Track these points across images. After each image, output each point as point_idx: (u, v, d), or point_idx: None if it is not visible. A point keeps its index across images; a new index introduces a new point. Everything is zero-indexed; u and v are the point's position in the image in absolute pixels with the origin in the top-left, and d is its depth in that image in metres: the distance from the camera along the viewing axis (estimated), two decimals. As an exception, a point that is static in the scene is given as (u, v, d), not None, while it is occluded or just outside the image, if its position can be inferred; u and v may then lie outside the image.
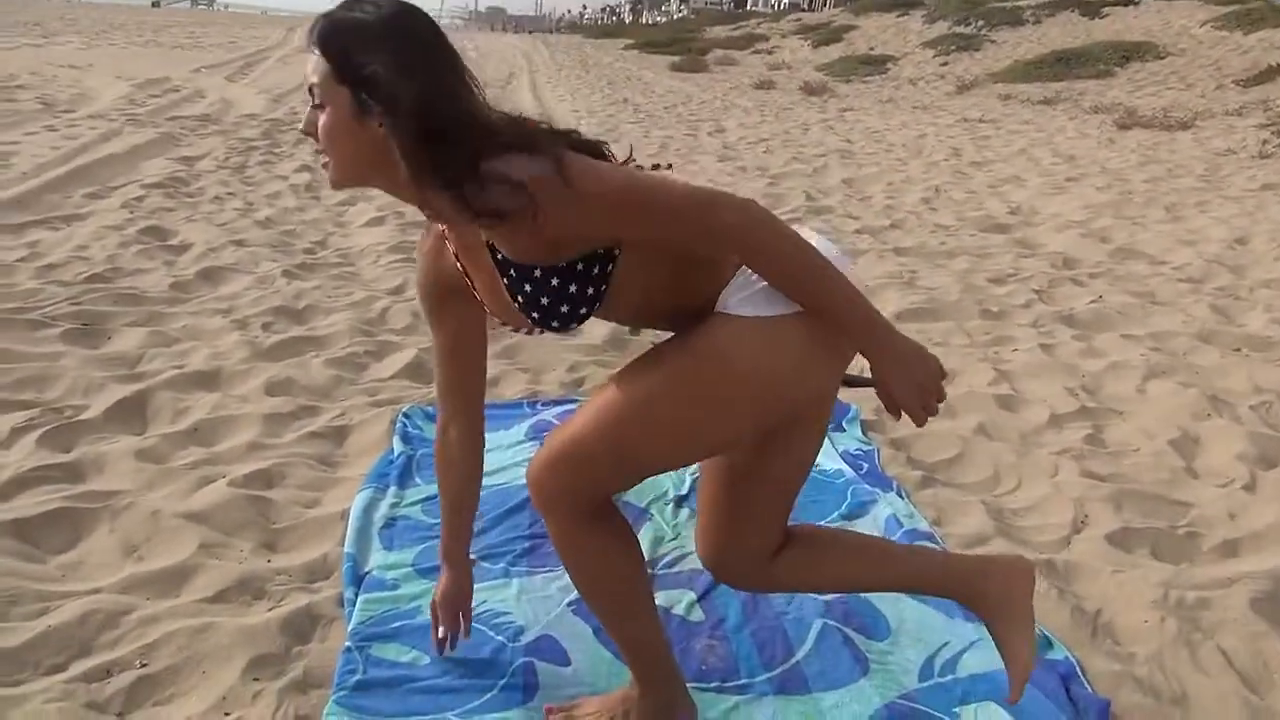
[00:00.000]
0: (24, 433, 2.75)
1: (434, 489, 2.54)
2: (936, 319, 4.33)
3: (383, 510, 2.44)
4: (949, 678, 1.87)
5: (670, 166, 1.49)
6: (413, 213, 5.99)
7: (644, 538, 2.33)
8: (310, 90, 1.33)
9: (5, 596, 1.99)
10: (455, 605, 1.85)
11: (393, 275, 4.64)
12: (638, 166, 1.44)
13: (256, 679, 1.81)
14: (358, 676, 1.80)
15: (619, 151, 1.42)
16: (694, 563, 2.25)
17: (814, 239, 1.48)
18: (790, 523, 1.65)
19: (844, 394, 3.31)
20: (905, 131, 11.72)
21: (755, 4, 65.02)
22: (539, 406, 3.15)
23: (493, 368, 3.49)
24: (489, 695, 1.79)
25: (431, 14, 1.38)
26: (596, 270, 1.40)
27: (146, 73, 13.89)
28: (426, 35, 1.32)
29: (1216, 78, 15.13)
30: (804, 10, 43.08)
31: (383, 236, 5.42)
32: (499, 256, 1.40)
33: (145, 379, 3.20)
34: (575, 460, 1.46)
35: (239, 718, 1.72)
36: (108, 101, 10.35)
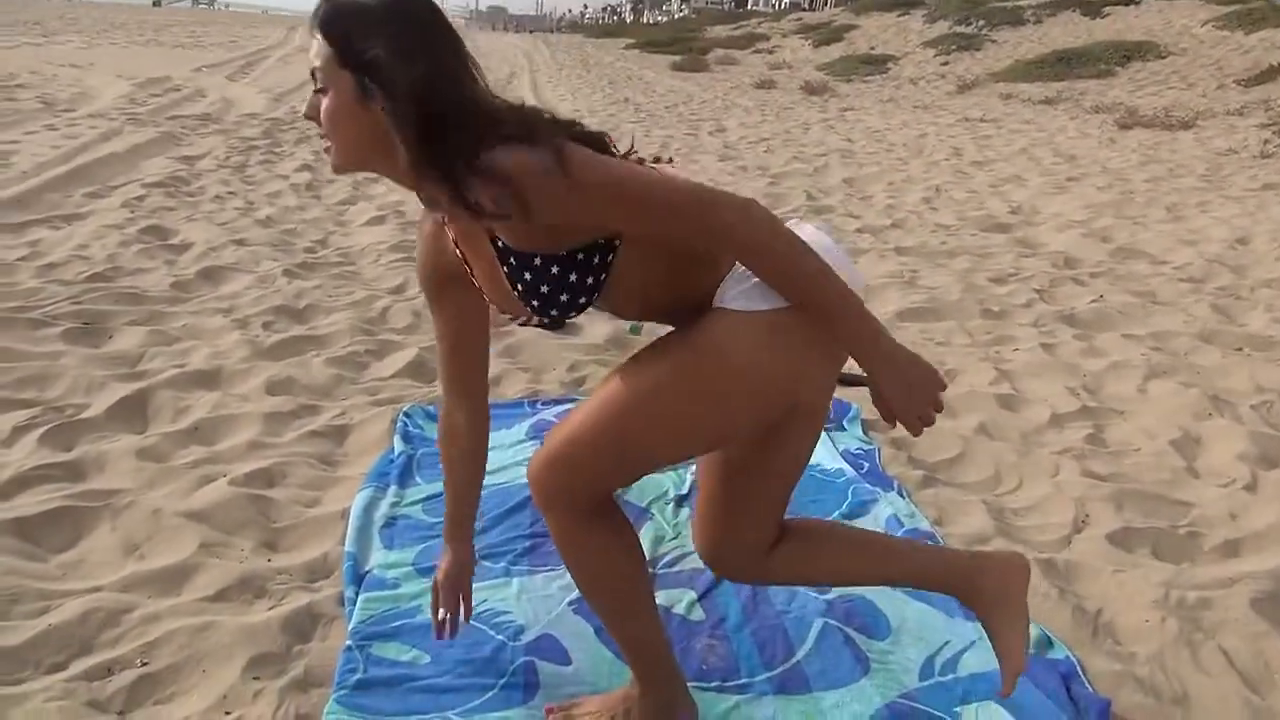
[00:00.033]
0: (25, 431, 2.75)
1: (435, 488, 2.56)
2: (938, 318, 4.33)
3: (383, 509, 2.44)
4: (950, 677, 1.87)
5: (671, 160, 1.50)
6: (414, 212, 6.00)
7: (645, 537, 2.33)
8: (312, 74, 1.33)
9: (6, 595, 1.99)
10: (456, 586, 1.83)
11: (393, 274, 4.64)
12: (639, 160, 1.44)
13: (257, 678, 1.81)
14: (358, 675, 1.80)
15: (620, 144, 1.42)
16: (695, 562, 2.25)
17: (813, 233, 1.49)
18: (787, 517, 1.66)
19: (845, 393, 3.32)
20: (906, 131, 11.71)
21: (756, 3, 65.00)
22: (539, 406, 3.15)
23: (494, 367, 3.49)
24: (489, 694, 1.78)
25: None
26: (597, 260, 1.40)
27: (147, 72, 13.90)
28: (429, 20, 1.32)
29: (1218, 77, 15.12)
30: (805, 10, 43.07)
31: (383, 235, 5.42)
32: (499, 244, 1.40)
33: (146, 378, 3.20)
34: (575, 457, 1.46)
35: (240, 716, 1.72)
36: (108, 100, 10.35)
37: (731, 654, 1.93)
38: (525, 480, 2.51)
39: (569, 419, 1.49)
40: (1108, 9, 21.47)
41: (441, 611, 1.83)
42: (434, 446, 2.80)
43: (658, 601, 1.72)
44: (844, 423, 3.08)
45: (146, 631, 1.92)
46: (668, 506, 2.52)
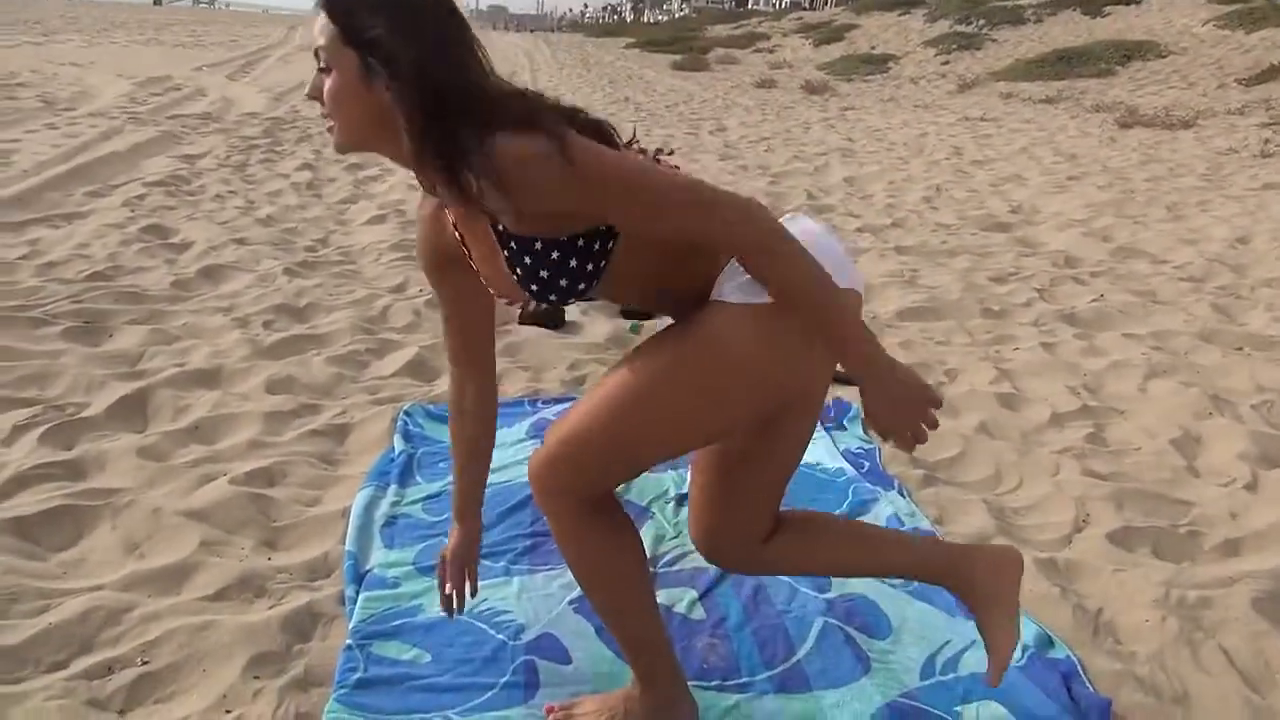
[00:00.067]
0: (25, 430, 2.75)
1: (435, 487, 2.56)
2: (938, 318, 4.33)
3: (384, 508, 2.44)
4: (950, 676, 1.87)
5: (673, 153, 1.50)
6: (414, 211, 5.99)
7: (645, 536, 2.33)
8: (316, 53, 1.33)
9: (6, 594, 1.99)
10: (462, 562, 1.83)
11: (394, 273, 4.64)
12: (640, 151, 1.44)
13: (257, 677, 1.81)
14: (359, 674, 1.80)
15: (623, 133, 1.42)
16: (695, 561, 2.25)
17: (811, 227, 1.49)
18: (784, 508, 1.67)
19: (845, 392, 3.32)
20: (906, 130, 11.71)
21: (757, 3, 64.99)
22: (540, 405, 3.15)
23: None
24: (490, 693, 1.78)
25: None
26: (597, 246, 1.40)
27: (148, 71, 13.90)
28: (435, 1, 1.31)
29: (1218, 77, 15.11)
30: (805, 9, 43.06)
31: (384, 234, 5.42)
32: (500, 228, 1.39)
33: (146, 377, 3.20)
34: (575, 454, 1.46)
35: (240, 715, 1.71)
36: (109, 99, 10.35)
37: (732, 653, 1.93)
38: (526, 479, 2.52)
39: (568, 416, 1.49)
40: (1108, 8, 21.47)
41: (448, 587, 1.82)
42: (434, 446, 2.81)
43: (659, 600, 1.72)
44: (845, 422, 3.08)
45: (147, 630, 1.92)
46: (668, 505, 2.52)
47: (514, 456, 2.73)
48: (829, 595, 2.13)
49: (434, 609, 2.03)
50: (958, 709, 1.78)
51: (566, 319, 4.03)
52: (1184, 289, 4.83)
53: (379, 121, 1.31)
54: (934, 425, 1.40)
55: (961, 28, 23.29)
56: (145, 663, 1.84)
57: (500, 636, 1.96)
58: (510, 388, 3.33)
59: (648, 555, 1.92)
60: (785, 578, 2.18)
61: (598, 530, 1.53)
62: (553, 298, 1.45)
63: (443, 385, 3.31)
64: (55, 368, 3.21)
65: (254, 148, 8.09)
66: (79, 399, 3.01)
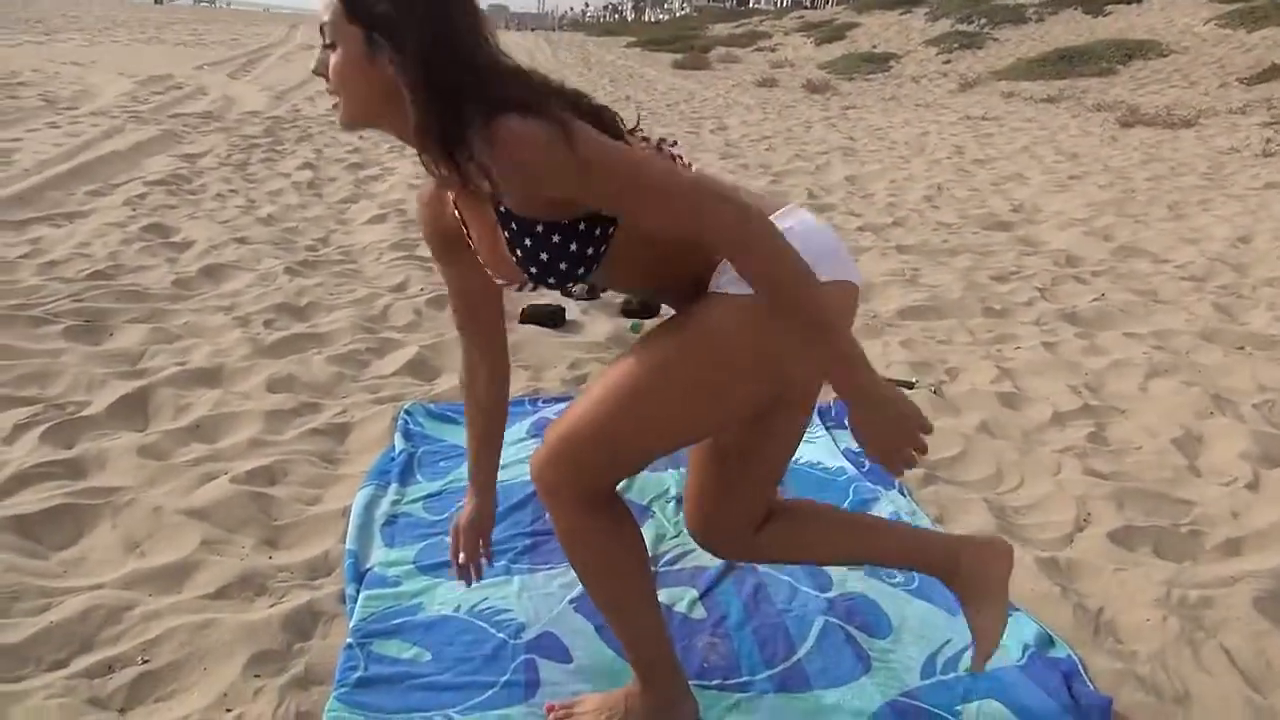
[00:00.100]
0: (26, 429, 2.75)
1: (435, 486, 2.56)
2: (939, 317, 4.32)
3: (384, 507, 2.44)
4: (951, 675, 1.87)
5: (675, 144, 1.49)
6: (415, 211, 5.99)
7: (646, 535, 2.31)
8: (321, 29, 1.33)
9: (7, 592, 1.99)
10: (477, 531, 1.84)
11: (395, 272, 4.64)
12: (644, 139, 1.44)
13: (258, 675, 1.81)
14: (359, 673, 1.80)
15: (628, 120, 1.42)
16: (696, 560, 2.25)
17: (809, 219, 1.50)
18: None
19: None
20: (908, 129, 11.71)
21: (758, 2, 64.95)
22: (540, 404, 3.15)
23: (494, 365, 3.49)
24: (490, 692, 1.78)
25: None
26: (598, 231, 1.40)
27: (149, 70, 13.91)
28: None
29: (1220, 76, 15.11)
30: (807, 8, 43.06)
31: (385, 234, 5.42)
32: (501, 209, 1.39)
33: (147, 375, 3.20)
34: (575, 450, 1.47)
35: (240, 714, 1.71)
36: (110, 98, 10.35)
37: (733, 652, 1.93)
38: (526, 478, 2.51)
39: (568, 413, 1.49)
40: (1110, 7, 21.46)
41: (462, 556, 1.83)
42: (435, 444, 2.81)
43: (659, 599, 1.72)
44: (845, 421, 3.08)
45: (147, 629, 1.92)
46: (669, 504, 2.51)
47: (514, 455, 2.72)
48: (830, 594, 2.13)
49: (435, 607, 2.03)
50: (958, 708, 1.78)
51: (567, 318, 4.03)
52: (1185, 288, 4.82)
53: (384, 97, 1.31)
54: (923, 451, 1.39)
55: (963, 27, 23.29)
56: (146, 661, 1.84)
57: (501, 635, 1.95)
58: (510, 386, 3.32)
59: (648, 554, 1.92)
60: (785, 576, 2.18)
61: (600, 525, 1.53)
62: (551, 281, 1.45)
63: (443, 384, 3.32)
64: (56, 366, 3.21)
65: (255, 147, 8.09)
66: (80, 398, 3.01)
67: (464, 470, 2.65)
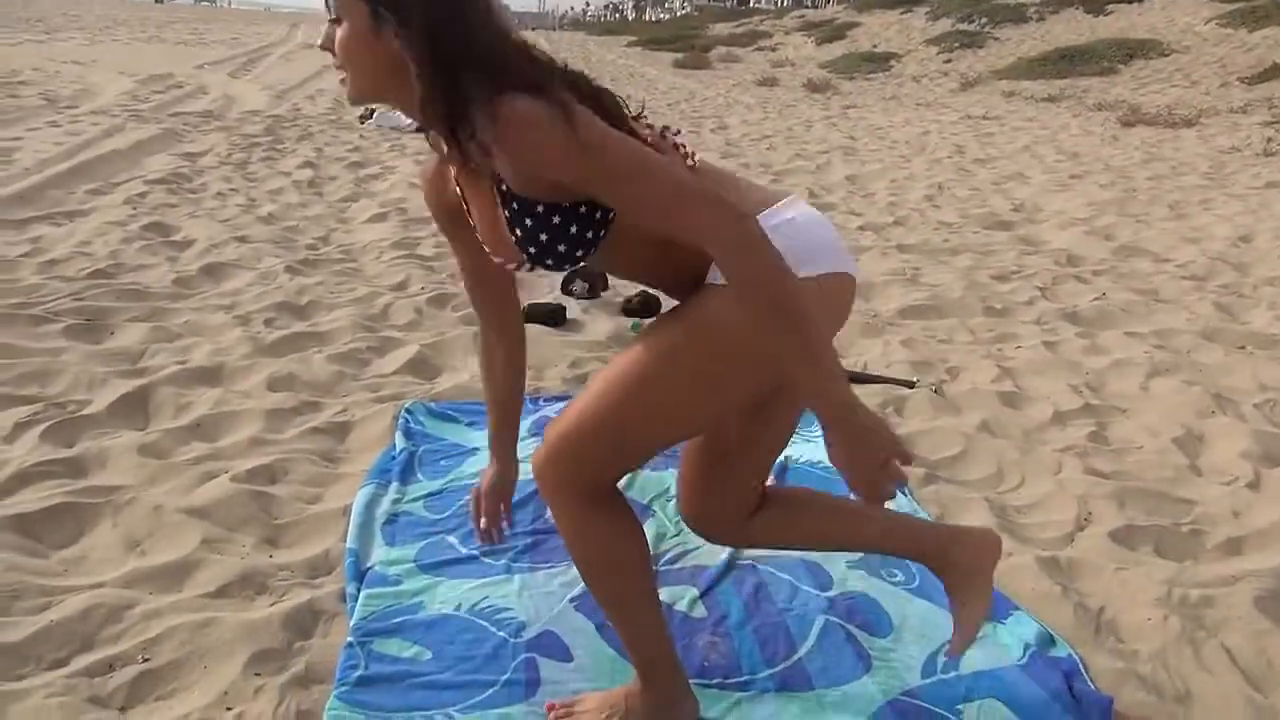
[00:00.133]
0: (27, 428, 2.75)
1: (436, 485, 2.57)
2: (940, 316, 4.32)
3: (385, 506, 2.44)
4: (951, 674, 1.87)
5: (679, 133, 1.49)
6: (415, 209, 6.00)
7: (647, 533, 2.32)
8: (327, 4, 1.33)
9: (8, 591, 1.99)
10: (498, 496, 1.86)
11: (395, 271, 4.64)
12: (648, 127, 1.44)
13: (258, 674, 1.81)
14: (359, 672, 1.80)
15: (633, 107, 1.43)
16: (696, 559, 2.25)
17: (808, 212, 1.50)
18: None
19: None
20: (909, 128, 11.71)
21: (759, 1, 64.93)
22: (541, 402, 3.15)
23: (495, 364, 3.49)
24: (491, 691, 1.78)
25: None
26: (599, 215, 1.40)
27: (149, 69, 13.91)
28: None
29: (1221, 75, 15.10)
30: (807, 7, 43.04)
31: (385, 232, 5.42)
32: (503, 188, 1.39)
33: (148, 374, 3.20)
34: (576, 446, 1.47)
35: (241, 713, 1.71)
36: (111, 97, 10.36)
37: (733, 651, 1.93)
38: (526, 477, 2.51)
39: (569, 409, 1.50)
40: (1111, 7, 21.46)
41: (483, 521, 1.84)
42: (436, 443, 2.81)
43: (660, 598, 1.72)
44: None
45: (148, 628, 1.92)
46: (669, 503, 2.51)
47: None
48: (830, 593, 2.13)
49: (435, 606, 2.03)
50: (959, 707, 1.77)
51: (567, 317, 4.03)
52: (1186, 287, 4.82)
53: (389, 71, 1.31)
54: (903, 480, 1.36)
55: (964, 26, 23.29)
56: (146, 660, 1.83)
57: (501, 634, 1.95)
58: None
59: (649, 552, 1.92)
60: (786, 576, 2.18)
61: (602, 522, 1.53)
62: (549, 262, 1.45)
63: (444, 383, 3.31)
64: (56, 365, 3.21)
65: (255, 145, 8.09)
66: (80, 396, 3.01)
67: (464, 469, 2.67)
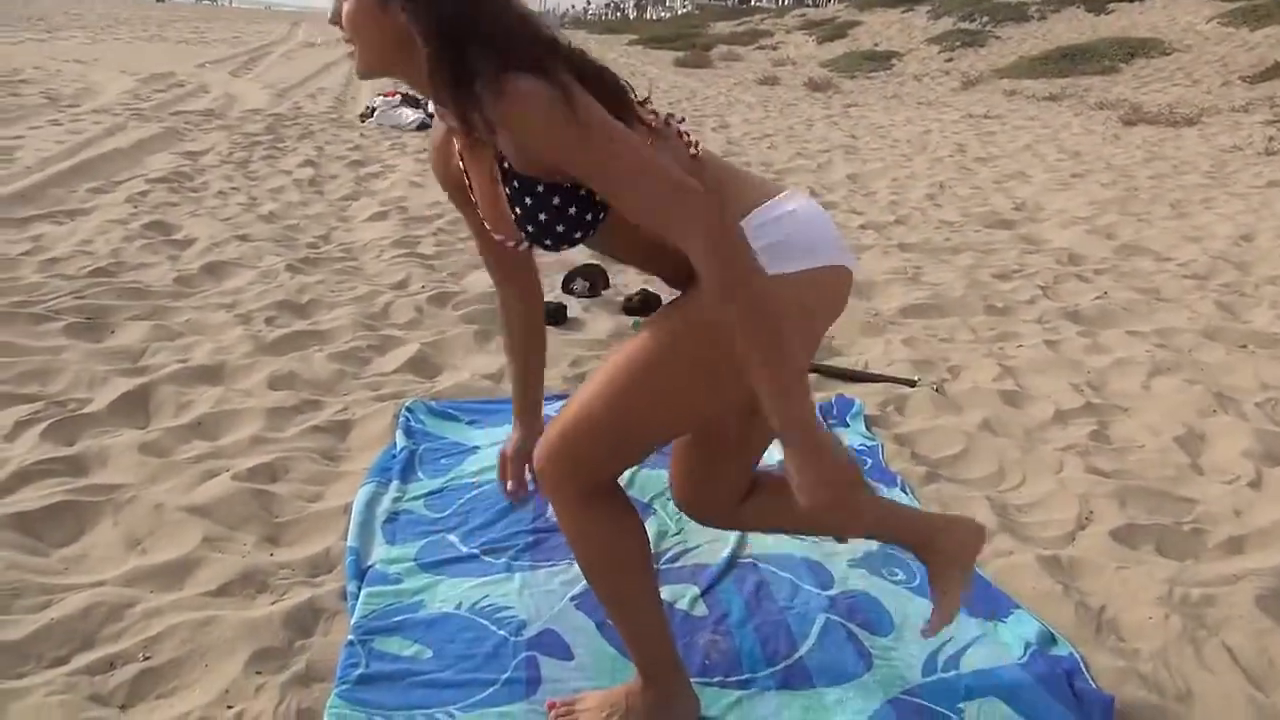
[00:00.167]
0: (27, 426, 2.75)
1: (437, 484, 2.57)
2: (941, 315, 4.32)
3: (385, 504, 2.44)
4: (952, 673, 1.87)
5: (684, 120, 1.50)
6: (416, 208, 6.00)
7: (648, 531, 2.32)
8: None
9: (8, 589, 1.99)
10: (523, 460, 1.86)
11: (396, 270, 4.64)
12: (652, 113, 1.45)
13: (259, 672, 1.81)
14: (360, 670, 1.80)
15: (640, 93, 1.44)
16: (697, 558, 2.25)
17: (807, 205, 1.51)
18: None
19: (848, 389, 3.31)
20: (910, 127, 11.70)
21: (760, 0, 64.92)
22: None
23: (496, 362, 3.49)
24: (492, 689, 1.78)
25: None
26: (599, 197, 1.39)
27: (151, 67, 13.92)
28: None
29: (1223, 74, 15.09)
30: (809, 6, 43.03)
31: (386, 231, 5.42)
32: (505, 165, 1.40)
33: (149, 373, 3.20)
34: (575, 442, 1.47)
35: (241, 711, 1.71)
36: (112, 96, 10.36)
37: (734, 649, 1.93)
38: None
39: (568, 405, 1.50)
40: (1112, 5, 21.45)
41: (510, 484, 1.85)
42: (436, 442, 2.81)
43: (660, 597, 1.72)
44: (848, 419, 3.08)
45: (148, 626, 1.92)
46: (670, 501, 2.51)
47: (516, 453, 2.72)
48: (831, 592, 2.13)
49: (436, 605, 2.03)
50: (960, 706, 1.77)
51: (568, 316, 4.03)
52: (1188, 286, 4.82)
53: (397, 44, 1.32)
54: (859, 518, 1.34)
55: (965, 25, 23.28)
56: (147, 658, 1.83)
57: (502, 632, 1.95)
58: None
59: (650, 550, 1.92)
60: (787, 574, 2.18)
61: (602, 517, 1.53)
62: (547, 242, 1.45)
63: (445, 382, 3.31)
64: (57, 363, 3.21)
65: (256, 144, 8.09)
66: (81, 395, 3.01)
67: (465, 467, 2.67)
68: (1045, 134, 11.00)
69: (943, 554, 1.71)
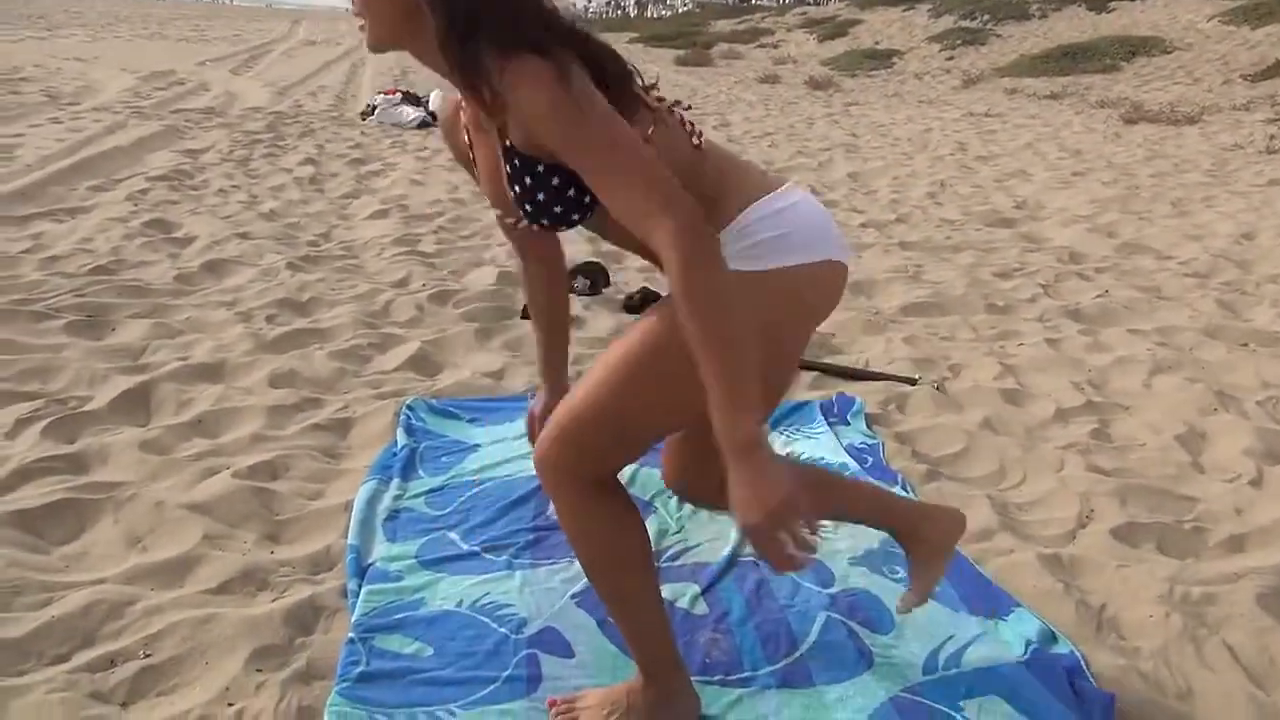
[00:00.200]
0: (28, 424, 2.75)
1: (437, 481, 2.57)
2: (942, 313, 4.32)
3: (386, 502, 2.44)
4: (953, 671, 1.87)
5: (690, 107, 1.50)
6: (417, 206, 6.00)
7: (649, 530, 2.32)
8: None
9: (9, 587, 1.99)
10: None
11: (396, 268, 4.64)
12: (658, 98, 1.45)
13: (260, 670, 1.81)
14: (361, 668, 1.80)
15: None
16: (698, 556, 2.25)
17: (806, 199, 1.51)
18: None
19: (849, 387, 3.31)
20: (911, 126, 11.69)
21: (760, -2, 64.81)
22: (543, 399, 3.14)
23: (497, 360, 3.49)
24: (492, 687, 1.78)
25: None
26: None
27: (151, 65, 13.92)
28: None
29: (1224, 72, 15.08)
30: (810, 4, 43.01)
31: (387, 229, 5.42)
32: (507, 143, 1.40)
33: (149, 371, 3.20)
34: (576, 433, 1.47)
35: (242, 708, 1.71)
36: (112, 94, 10.36)
37: (735, 648, 1.92)
38: (528, 473, 2.52)
39: (569, 398, 1.50)
40: (1113, 4, 21.43)
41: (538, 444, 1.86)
42: (437, 440, 2.81)
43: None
44: (848, 417, 3.07)
45: (149, 623, 1.92)
46: (671, 500, 2.51)
47: (516, 451, 2.73)
48: (832, 590, 2.13)
49: (436, 603, 2.03)
50: (961, 704, 1.77)
51: (570, 314, 4.03)
52: (1189, 285, 4.81)
53: (405, 17, 1.32)
54: (808, 550, 1.25)
55: (966, 23, 23.26)
56: (147, 656, 1.83)
57: (502, 630, 1.95)
58: (513, 382, 3.33)
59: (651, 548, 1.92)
60: (788, 573, 2.18)
61: (603, 513, 1.53)
62: (544, 221, 1.46)
63: (445, 379, 3.32)
64: (58, 361, 3.21)
65: (257, 142, 8.09)
66: (82, 393, 3.01)
67: (465, 465, 2.67)
68: (1046, 132, 11.00)
69: (926, 543, 1.78)
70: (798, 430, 2.99)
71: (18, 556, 2.11)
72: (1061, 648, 1.94)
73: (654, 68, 21.48)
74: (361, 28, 1.38)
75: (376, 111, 9.93)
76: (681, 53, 25.44)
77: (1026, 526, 2.50)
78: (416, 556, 2.21)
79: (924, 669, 1.87)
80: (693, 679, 1.72)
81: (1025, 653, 1.90)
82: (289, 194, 6.23)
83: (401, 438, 2.78)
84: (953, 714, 1.75)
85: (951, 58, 20.80)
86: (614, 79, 1.35)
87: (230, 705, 1.72)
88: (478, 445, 2.79)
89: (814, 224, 1.50)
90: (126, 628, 1.91)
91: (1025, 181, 7.84)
